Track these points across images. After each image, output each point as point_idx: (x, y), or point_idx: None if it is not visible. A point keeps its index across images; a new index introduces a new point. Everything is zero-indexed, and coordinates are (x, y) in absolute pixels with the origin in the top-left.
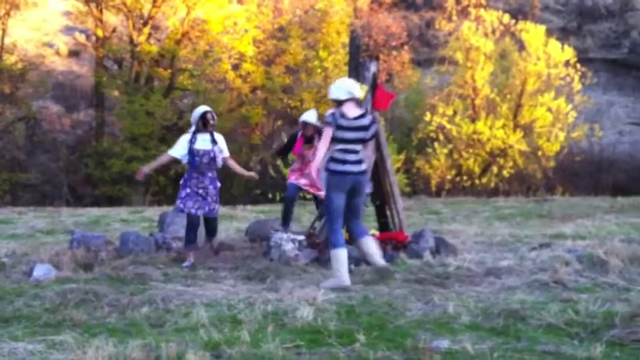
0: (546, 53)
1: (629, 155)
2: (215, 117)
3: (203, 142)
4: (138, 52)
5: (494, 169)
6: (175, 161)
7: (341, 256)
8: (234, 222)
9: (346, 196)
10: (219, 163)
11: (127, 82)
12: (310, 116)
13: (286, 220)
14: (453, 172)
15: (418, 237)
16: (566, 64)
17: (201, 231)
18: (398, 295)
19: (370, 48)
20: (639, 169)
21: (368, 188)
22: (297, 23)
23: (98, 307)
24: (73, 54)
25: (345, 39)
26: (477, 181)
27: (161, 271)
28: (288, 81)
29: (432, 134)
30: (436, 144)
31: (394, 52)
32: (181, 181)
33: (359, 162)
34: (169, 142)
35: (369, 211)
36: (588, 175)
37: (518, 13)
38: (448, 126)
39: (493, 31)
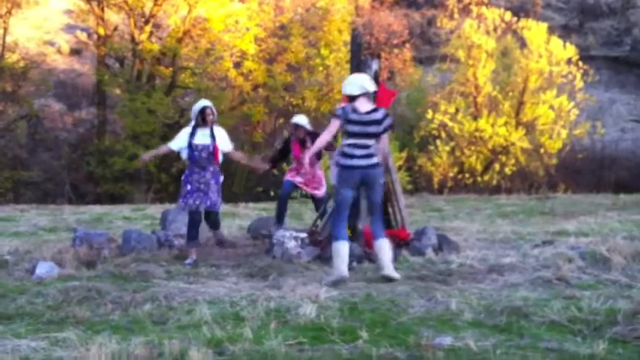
0: (548, 51)
1: (632, 152)
2: (214, 112)
3: (202, 136)
4: (139, 51)
5: (497, 166)
6: (177, 159)
7: (341, 249)
8: (237, 219)
9: (360, 191)
10: (220, 157)
11: (128, 81)
12: (301, 119)
13: (280, 217)
14: (455, 169)
15: (420, 234)
16: (568, 61)
17: (204, 227)
18: (400, 292)
19: (372, 46)
20: None
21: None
22: (299, 21)
23: (101, 304)
24: (75, 52)
25: (347, 37)
26: (479, 179)
27: (164, 269)
28: (289, 79)
29: (434, 132)
30: (438, 141)
31: (396, 50)
32: (182, 177)
33: (369, 156)
34: (171, 140)
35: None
36: (590, 172)
37: (519, 11)
38: (450, 124)
39: (495, 29)
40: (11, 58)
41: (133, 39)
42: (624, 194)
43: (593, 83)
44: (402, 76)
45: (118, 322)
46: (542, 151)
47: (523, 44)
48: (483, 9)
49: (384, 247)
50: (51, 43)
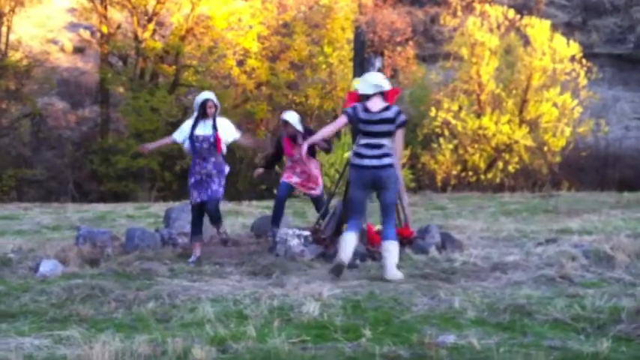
0: (552, 48)
1: (636, 150)
2: (216, 104)
3: (204, 127)
4: (142, 49)
5: (500, 164)
6: (180, 157)
7: (345, 238)
8: (240, 217)
9: (373, 192)
10: (223, 149)
11: (131, 79)
12: (290, 116)
13: (276, 219)
14: (459, 167)
15: (424, 232)
16: (572, 59)
17: (208, 225)
18: (404, 290)
19: (375, 44)
20: None
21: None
22: (302, 19)
23: (104, 302)
24: (78, 50)
25: (350, 35)
26: (482, 177)
27: (167, 267)
28: (292, 77)
29: (438, 130)
30: (441, 139)
31: (399, 48)
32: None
33: (380, 156)
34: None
35: (374, 206)
36: (594, 170)
37: (523, 8)
38: (453, 121)
39: (498, 27)
40: (14, 56)
41: (136, 37)
42: (628, 192)
43: (597, 81)
44: (406, 73)
45: (121, 320)
46: (545, 149)
47: (526, 42)
48: (487, 6)
49: (390, 250)
50: (54, 42)
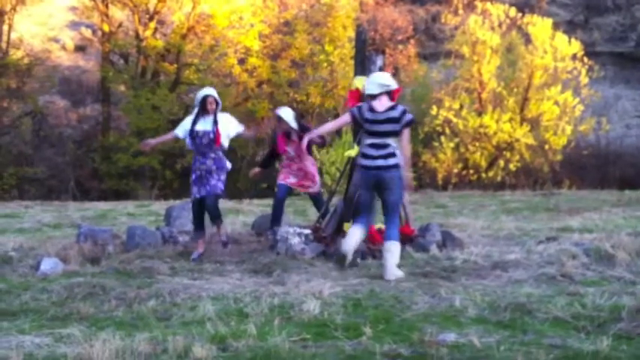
0: (553, 47)
1: (637, 149)
2: (217, 100)
3: (204, 123)
4: (144, 47)
5: (501, 162)
6: (181, 155)
7: (351, 231)
8: (241, 216)
9: (377, 192)
10: (224, 143)
11: (133, 77)
12: (285, 112)
13: (276, 221)
14: (460, 165)
15: (425, 231)
16: (573, 57)
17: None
18: (404, 288)
19: (376, 42)
20: None
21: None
22: (303, 17)
23: (105, 300)
24: (79, 49)
25: (351, 33)
26: (483, 175)
27: (168, 265)
28: (294, 75)
29: (439, 128)
30: (442, 138)
31: (400, 46)
32: None
33: (386, 156)
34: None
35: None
36: (595, 168)
37: (524, 7)
38: (454, 120)
39: (499, 25)
40: (16, 54)
41: (137, 35)
42: (629, 190)
43: (598, 79)
44: (407, 72)
45: (122, 319)
46: (546, 147)
47: (528, 40)
48: (488, 5)
49: (391, 250)
50: (55, 40)
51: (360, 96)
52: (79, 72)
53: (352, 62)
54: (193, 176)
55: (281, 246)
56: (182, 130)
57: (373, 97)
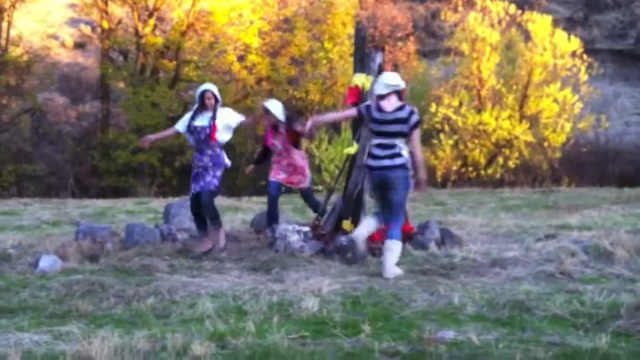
0: (552, 44)
1: (636, 146)
2: (216, 96)
3: (202, 118)
4: (143, 44)
5: (500, 160)
6: (180, 152)
7: (364, 219)
8: (240, 213)
9: (382, 192)
10: (221, 138)
11: (132, 74)
12: (273, 104)
13: (272, 219)
14: (459, 163)
15: (423, 228)
16: (573, 54)
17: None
18: (403, 286)
19: (376, 39)
20: None
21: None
22: (303, 15)
23: (104, 298)
24: (79, 46)
25: (351, 30)
26: (482, 172)
27: (167, 263)
28: (293, 72)
29: (438, 125)
30: (442, 135)
31: (400, 43)
32: None
33: (390, 157)
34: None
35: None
36: (594, 166)
37: (524, 4)
38: (454, 117)
39: (499, 22)
40: (15, 51)
41: (136, 32)
42: (628, 188)
43: (598, 76)
44: (406, 69)
45: (120, 316)
46: (546, 144)
47: (527, 37)
48: (488, 2)
49: (391, 249)
50: (55, 37)
51: (359, 93)
52: (79, 69)
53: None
54: (193, 173)
55: (280, 243)
56: (182, 124)
57: (382, 97)
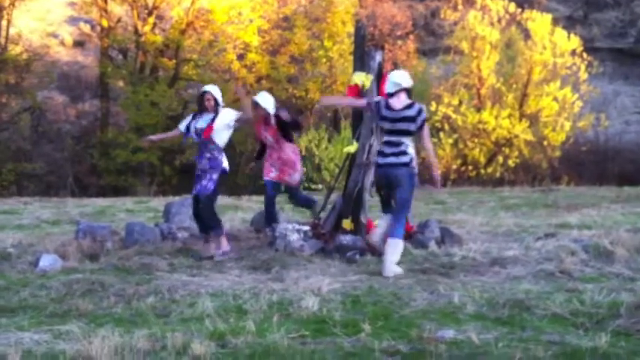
0: (552, 42)
1: (636, 145)
2: (215, 97)
3: (202, 120)
4: (143, 43)
5: (500, 158)
6: (180, 152)
7: (380, 221)
8: (240, 212)
9: (388, 189)
10: (217, 138)
11: (131, 73)
12: (263, 98)
13: (270, 219)
14: (459, 161)
15: (423, 227)
16: (573, 53)
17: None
18: (403, 285)
19: (375, 37)
20: None
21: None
22: (302, 13)
23: (104, 297)
24: (78, 44)
25: (350, 28)
26: (482, 171)
27: (167, 262)
28: (293, 71)
29: (438, 124)
30: (441, 134)
31: (399, 42)
32: None
33: (396, 154)
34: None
35: (373, 201)
36: (594, 164)
37: (524, 2)
38: (453, 116)
39: (499, 20)
40: (14, 50)
41: (136, 31)
42: (628, 187)
43: (598, 75)
44: (406, 67)
45: (121, 315)
46: (545, 143)
47: (527, 36)
48: (487, 0)
49: (393, 247)
50: (54, 35)
51: (359, 91)
52: (78, 67)
53: (351, 58)
54: (195, 174)
55: (280, 242)
56: (185, 124)
57: (391, 95)
